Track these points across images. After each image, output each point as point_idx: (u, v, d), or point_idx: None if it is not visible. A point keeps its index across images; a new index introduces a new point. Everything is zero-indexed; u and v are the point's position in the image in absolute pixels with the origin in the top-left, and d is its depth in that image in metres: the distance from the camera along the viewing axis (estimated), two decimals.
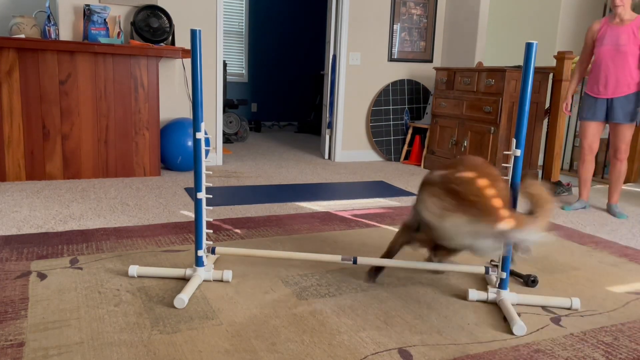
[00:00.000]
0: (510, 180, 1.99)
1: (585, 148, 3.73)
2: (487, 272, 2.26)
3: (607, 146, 5.94)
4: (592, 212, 3.79)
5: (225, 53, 8.18)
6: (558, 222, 3.45)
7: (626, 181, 5.24)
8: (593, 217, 3.66)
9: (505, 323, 1.93)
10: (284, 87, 8.82)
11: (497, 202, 1.74)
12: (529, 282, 2.28)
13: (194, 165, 2.08)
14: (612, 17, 3.57)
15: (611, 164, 3.71)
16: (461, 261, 2.59)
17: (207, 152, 4.68)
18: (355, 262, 2.26)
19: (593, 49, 3.66)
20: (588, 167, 3.77)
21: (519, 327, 1.83)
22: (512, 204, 1.94)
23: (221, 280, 2.18)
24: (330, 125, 5.70)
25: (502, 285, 2.07)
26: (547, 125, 4.59)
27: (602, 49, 3.55)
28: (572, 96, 3.85)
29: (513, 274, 2.37)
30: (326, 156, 5.82)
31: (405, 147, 5.73)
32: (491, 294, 2.09)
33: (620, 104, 3.52)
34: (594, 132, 3.68)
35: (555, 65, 4.49)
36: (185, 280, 2.17)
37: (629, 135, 3.58)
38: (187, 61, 4.77)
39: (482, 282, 2.32)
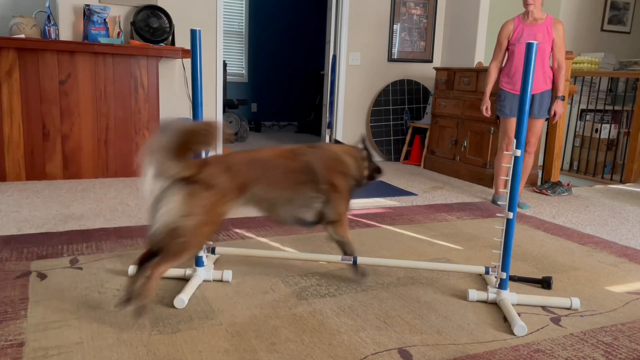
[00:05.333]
0: (510, 180, 1.99)
1: (509, 144, 3.75)
2: (487, 272, 2.26)
3: (607, 146, 5.94)
4: (593, 212, 3.79)
5: (225, 53, 8.17)
6: (558, 222, 3.45)
7: (626, 181, 5.25)
8: (593, 217, 3.66)
9: (505, 323, 1.93)
10: (284, 87, 8.81)
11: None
12: (545, 284, 2.28)
13: None
14: (524, 16, 3.67)
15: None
16: (461, 261, 2.59)
17: (207, 152, 4.68)
18: (355, 262, 2.26)
19: (506, 47, 3.75)
20: (507, 159, 3.80)
21: (520, 327, 1.83)
22: None
23: (221, 280, 2.18)
24: (330, 125, 5.70)
25: (502, 285, 2.07)
26: (547, 125, 4.59)
27: (521, 47, 3.63)
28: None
29: (525, 280, 2.35)
30: None
31: (405, 147, 5.73)
32: (491, 294, 2.09)
33: (538, 100, 3.67)
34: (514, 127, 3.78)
35: None
36: (185, 280, 2.17)
37: (541, 129, 3.80)
38: (187, 61, 4.76)
39: (482, 282, 2.32)
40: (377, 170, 2.32)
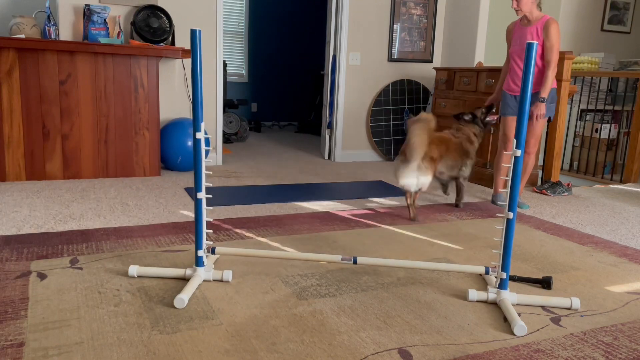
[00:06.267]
0: (510, 180, 1.99)
1: (505, 142, 3.81)
2: (487, 272, 2.26)
3: (607, 146, 5.94)
4: (593, 212, 3.79)
5: (225, 53, 8.18)
6: (558, 222, 3.45)
7: (626, 181, 5.25)
8: (593, 217, 3.66)
9: (505, 323, 1.93)
10: (284, 87, 8.82)
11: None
12: (545, 284, 2.28)
13: (194, 165, 2.08)
14: (521, 19, 3.68)
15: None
16: (461, 261, 2.59)
17: (207, 152, 4.68)
18: (355, 262, 2.26)
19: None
20: (506, 158, 3.83)
21: (520, 327, 1.83)
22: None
23: (221, 280, 2.18)
24: (330, 125, 5.70)
25: (502, 285, 2.07)
26: (547, 126, 4.59)
27: (512, 49, 3.68)
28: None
29: (525, 280, 2.35)
30: (326, 156, 5.82)
31: None
32: (491, 294, 2.09)
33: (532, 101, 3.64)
34: (512, 126, 3.78)
35: None
36: (185, 280, 2.17)
37: (539, 130, 3.74)
38: (187, 61, 4.76)
39: (482, 282, 2.32)
40: (486, 125, 3.74)
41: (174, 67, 4.73)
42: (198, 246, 2.14)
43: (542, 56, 3.57)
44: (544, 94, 3.52)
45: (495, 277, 2.12)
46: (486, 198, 4.12)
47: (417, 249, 2.74)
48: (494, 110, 3.74)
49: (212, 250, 2.33)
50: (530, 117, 3.60)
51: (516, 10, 3.54)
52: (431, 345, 1.75)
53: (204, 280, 2.17)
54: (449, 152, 3.52)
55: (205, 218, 2.13)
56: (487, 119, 3.74)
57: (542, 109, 3.54)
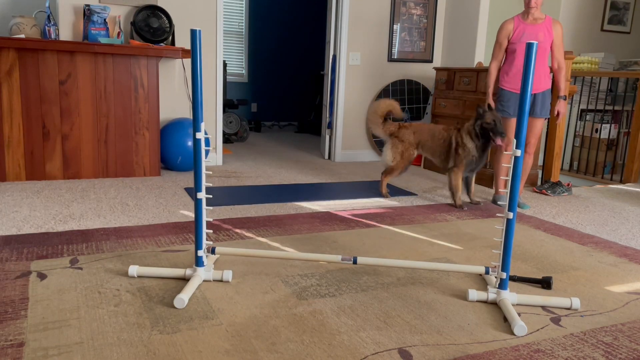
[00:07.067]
0: (510, 180, 1.99)
1: (508, 142, 3.75)
2: (487, 272, 2.26)
3: (608, 146, 5.94)
4: (593, 212, 3.79)
5: (225, 53, 8.18)
6: (558, 222, 3.45)
7: (626, 181, 5.25)
8: (593, 217, 3.66)
9: (505, 323, 1.93)
10: (284, 87, 8.82)
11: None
12: (545, 284, 2.28)
13: (194, 165, 2.08)
14: (524, 16, 3.67)
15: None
16: (461, 261, 2.59)
17: (207, 152, 4.68)
18: (355, 262, 2.26)
19: (506, 47, 3.75)
20: (506, 159, 3.82)
21: (520, 327, 1.83)
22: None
23: (221, 280, 2.18)
24: (330, 125, 5.70)
25: (502, 285, 2.07)
26: (547, 126, 4.59)
27: (523, 46, 3.63)
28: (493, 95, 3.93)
29: (525, 280, 2.35)
30: (326, 156, 5.82)
31: None
32: (491, 294, 2.09)
33: (540, 99, 3.68)
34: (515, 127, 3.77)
35: None
36: (185, 280, 2.17)
37: (541, 130, 3.80)
38: (187, 61, 4.76)
39: (482, 282, 2.32)
40: (487, 131, 3.54)
41: (174, 67, 4.73)
42: (198, 246, 2.14)
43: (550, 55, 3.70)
44: (565, 92, 3.71)
45: (495, 277, 2.12)
46: (486, 198, 4.12)
47: (417, 249, 2.74)
48: (501, 135, 3.46)
49: (212, 250, 2.33)
50: (557, 116, 3.74)
51: (532, 8, 3.57)
52: (431, 345, 1.75)
53: (204, 280, 2.17)
54: (433, 140, 3.83)
55: (205, 218, 2.13)
56: (492, 135, 3.50)
57: (565, 107, 3.73)
